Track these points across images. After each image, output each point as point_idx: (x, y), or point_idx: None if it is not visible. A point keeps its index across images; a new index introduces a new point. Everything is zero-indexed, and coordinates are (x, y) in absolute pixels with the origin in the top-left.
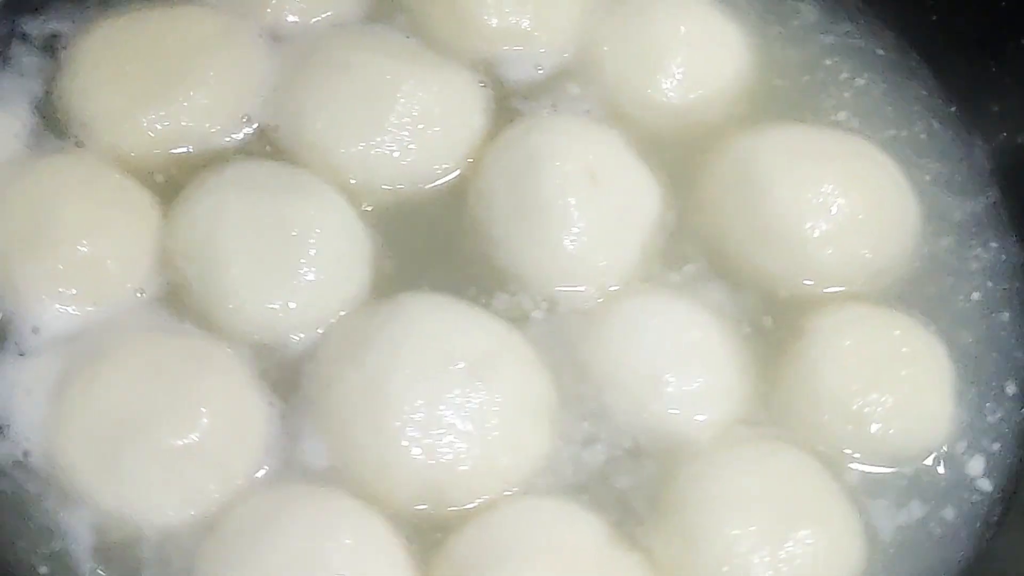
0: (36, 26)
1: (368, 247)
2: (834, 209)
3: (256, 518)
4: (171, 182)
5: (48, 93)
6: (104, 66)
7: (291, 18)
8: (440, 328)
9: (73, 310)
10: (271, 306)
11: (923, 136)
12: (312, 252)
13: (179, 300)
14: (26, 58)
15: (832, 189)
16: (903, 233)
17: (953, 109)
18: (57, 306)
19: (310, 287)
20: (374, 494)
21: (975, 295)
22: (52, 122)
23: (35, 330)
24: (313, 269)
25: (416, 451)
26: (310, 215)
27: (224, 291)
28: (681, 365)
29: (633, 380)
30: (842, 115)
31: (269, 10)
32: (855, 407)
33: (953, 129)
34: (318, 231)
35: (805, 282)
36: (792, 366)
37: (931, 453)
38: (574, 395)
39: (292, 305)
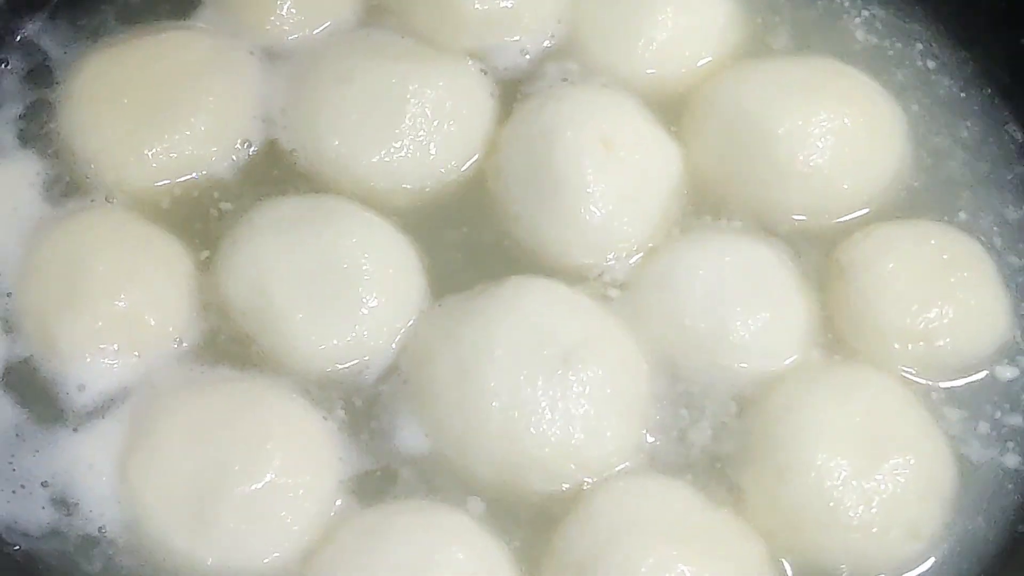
0: (22, 60)
1: (415, 255)
2: (832, 136)
3: (365, 535)
4: (188, 217)
5: (48, 132)
6: (101, 100)
7: (287, 34)
8: (539, 311)
9: (116, 365)
10: (342, 341)
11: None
12: (367, 278)
13: (222, 345)
14: (16, 93)
15: (827, 116)
16: (900, 143)
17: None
18: (101, 362)
19: (375, 311)
20: (459, 472)
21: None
22: (60, 164)
23: (81, 388)
24: (373, 294)
25: (497, 430)
26: (353, 242)
27: (292, 338)
28: (746, 302)
29: (704, 334)
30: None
31: (268, 27)
32: (920, 327)
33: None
34: (366, 255)
35: (823, 212)
36: (846, 302)
37: (999, 350)
38: (666, 379)
39: (363, 334)
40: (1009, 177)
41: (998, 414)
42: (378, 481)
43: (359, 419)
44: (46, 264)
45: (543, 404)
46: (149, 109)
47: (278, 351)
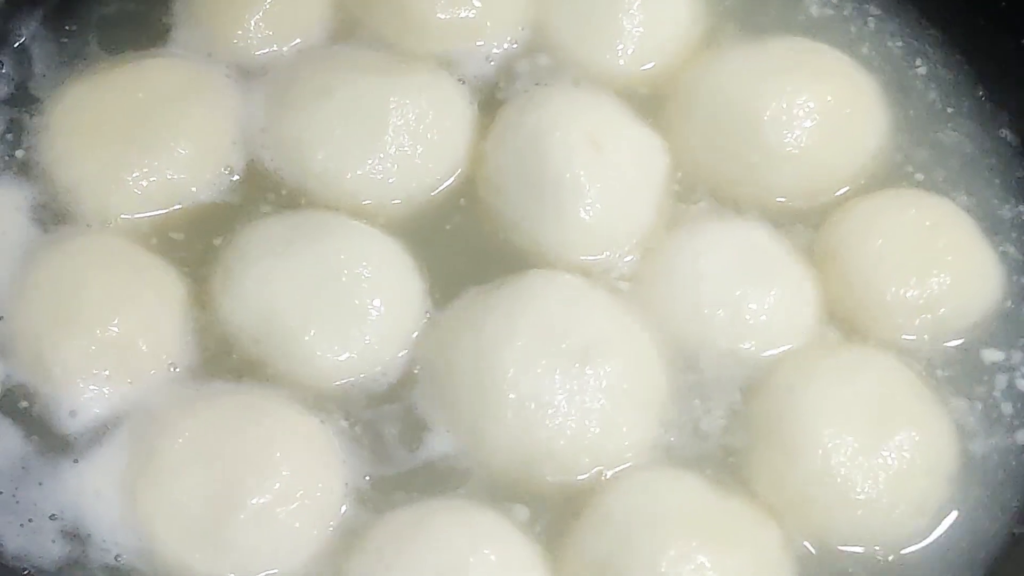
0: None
1: (412, 261)
2: (817, 115)
3: (397, 535)
4: (176, 244)
5: (31, 159)
6: (81, 130)
7: (258, 51)
8: (559, 304)
9: (108, 391)
10: (354, 351)
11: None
12: (368, 285)
13: (216, 370)
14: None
15: (809, 95)
16: (881, 116)
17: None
18: (92, 388)
19: (382, 317)
20: (475, 458)
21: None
22: (45, 191)
23: (72, 414)
24: (378, 300)
25: (513, 420)
26: (349, 252)
27: (305, 357)
28: (754, 284)
29: (718, 318)
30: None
31: (236, 40)
32: (923, 297)
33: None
34: (364, 263)
35: (812, 191)
36: (844, 283)
37: (994, 306)
38: (680, 370)
39: (374, 341)
40: (1002, 176)
41: (996, 393)
42: (396, 483)
43: (374, 424)
44: (39, 288)
45: (560, 397)
46: (129, 138)
47: (292, 371)
